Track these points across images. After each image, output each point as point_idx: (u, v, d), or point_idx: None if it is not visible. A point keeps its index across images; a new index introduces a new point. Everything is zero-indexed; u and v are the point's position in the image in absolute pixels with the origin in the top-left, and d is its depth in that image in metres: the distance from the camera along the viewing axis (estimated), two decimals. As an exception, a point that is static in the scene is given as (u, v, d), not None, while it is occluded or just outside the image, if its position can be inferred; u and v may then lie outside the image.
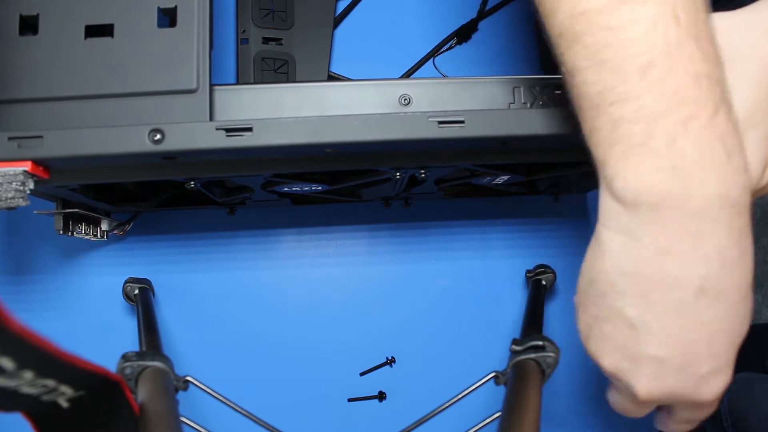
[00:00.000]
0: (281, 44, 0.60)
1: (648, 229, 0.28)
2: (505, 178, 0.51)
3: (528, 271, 0.60)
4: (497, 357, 0.59)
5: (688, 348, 0.30)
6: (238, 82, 0.59)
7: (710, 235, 0.28)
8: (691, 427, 0.35)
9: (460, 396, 0.45)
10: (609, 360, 0.32)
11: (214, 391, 0.44)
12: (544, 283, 0.57)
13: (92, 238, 0.54)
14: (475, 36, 0.65)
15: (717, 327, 0.29)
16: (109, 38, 0.37)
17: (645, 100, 0.27)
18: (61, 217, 0.49)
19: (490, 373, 0.43)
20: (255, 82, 0.59)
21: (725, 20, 0.31)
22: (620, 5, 0.27)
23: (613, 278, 0.30)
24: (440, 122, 0.36)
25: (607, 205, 0.29)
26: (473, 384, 0.44)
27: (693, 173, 0.27)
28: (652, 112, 0.27)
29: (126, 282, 0.56)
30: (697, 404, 0.32)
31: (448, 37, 0.64)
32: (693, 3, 0.27)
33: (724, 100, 0.27)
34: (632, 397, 0.32)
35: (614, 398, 0.35)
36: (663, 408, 0.35)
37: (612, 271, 0.30)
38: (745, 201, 0.28)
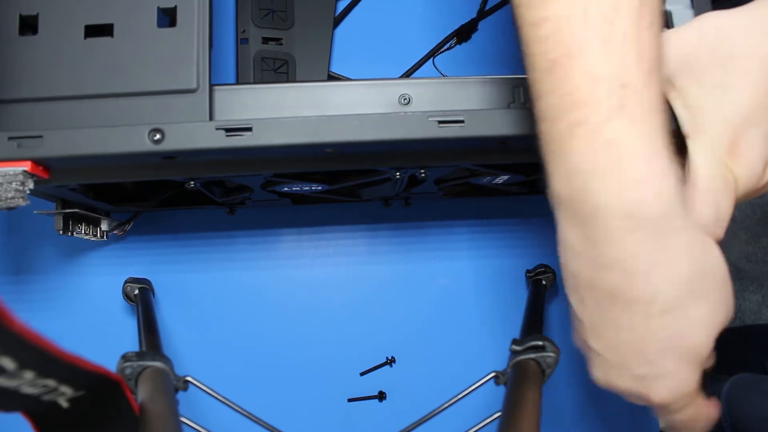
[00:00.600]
0: (281, 44, 0.60)
1: (563, 228, 0.29)
2: (505, 177, 0.51)
3: (528, 271, 0.60)
4: (497, 357, 0.59)
5: (616, 347, 0.30)
6: (237, 82, 0.59)
7: (606, 245, 0.27)
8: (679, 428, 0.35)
9: (460, 396, 0.45)
10: (576, 343, 0.34)
11: (214, 391, 0.44)
12: (544, 283, 0.57)
13: (92, 238, 0.54)
14: (475, 36, 0.65)
15: (640, 335, 0.29)
16: (109, 38, 0.37)
17: (549, 99, 0.27)
18: (61, 217, 0.49)
19: (490, 373, 0.43)
20: (255, 82, 0.59)
21: (725, 19, 0.31)
22: (541, 2, 0.27)
23: (565, 275, 0.31)
24: (440, 122, 0.36)
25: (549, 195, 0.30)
26: (473, 384, 0.44)
27: (578, 181, 0.27)
28: (552, 113, 0.27)
29: (126, 282, 0.56)
30: (650, 404, 0.32)
31: (448, 37, 0.64)
32: (609, 4, 0.26)
33: (624, 106, 0.26)
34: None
35: None
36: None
37: (561, 257, 0.31)
38: (645, 214, 0.26)
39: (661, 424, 0.36)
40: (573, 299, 0.31)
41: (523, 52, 0.28)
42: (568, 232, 0.29)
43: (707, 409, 0.33)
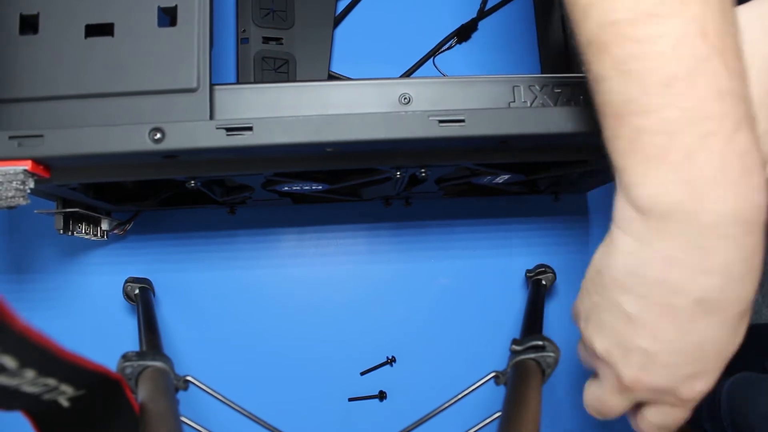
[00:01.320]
0: (281, 44, 0.60)
1: (658, 237, 0.29)
2: (506, 177, 0.51)
3: (528, 271, 0.60)
4: (497, 357, 0.59)
5: (677, 349, 0.31)
6: (238, 82, 0.59)
7: (716, 251, 0.28)
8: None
9: (460, 396, 0.45)
10: (602, 344, 0.33)
11: (214, 390, 0.44)
12: (544, 282, 0.57)
13: (92, 238, 0.54)
14: (475, 36, 0.65)
15: (707, 337, 0.30)
16: (110, 37, 0.37)
17: (666, 113, 0.27)
18: (62, 217, 0.49)
19: (490, 373, 0.43)
20: (255, 82, 0.59)
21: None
22: (649, 18, 0.27)
23: (619, 275, 0.31)
24: (441, 121, 0.36)
25: (622, 208, 0.30)
26: (473, 384, 0.44)
27: (707, 189, 0.27)
28: (672, 126, 0.27)
29: (126, 281, 0.56)
30: (676, 401, 0.33)
31: (448, 36, 0.64)
32: (722, 17, 0.27)
33: (746, 117, 0.28)
34: (616, 384, 0.33)
35: (593, 390, 0.36)
36: (635, 411, 0.36)
37: (620, 268, 0.31)
38: (758, 219, 0.28)
39: (634, 426, 0.36)
40: (634, 306, 0.31)
41: (611, 68, 0.28)
42: (666, 242, 0.29)
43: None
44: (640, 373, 0.32)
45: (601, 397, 0.35)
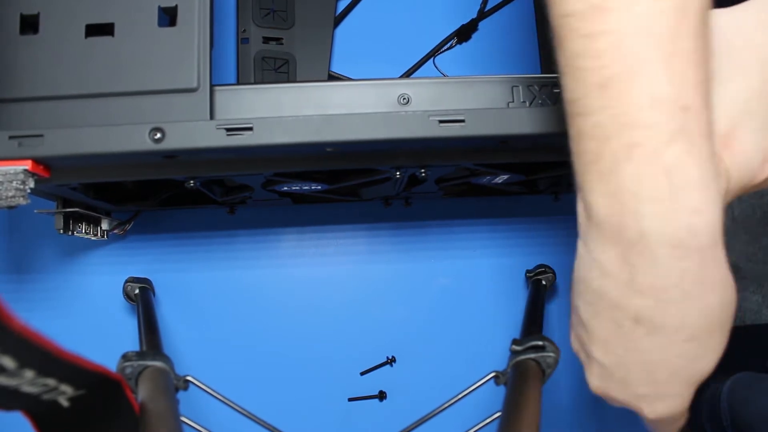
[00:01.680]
0: (282, 44, 0.60)
1: (596, 247, 0.28)
2: (505, 177, 0.51)
3: (528, 271, 0.60)
4: (497, 357, 0.59)
5: (625, 365, 0.30)
6: (238, 82, 0.59)
7: (644, 271, 0.26)
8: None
9: (460, 396, 0.45)
10: (573, 347, 0.34)
11: (214, 390, 0.44)
12: (544, 283, 0.57)
13: (92, 238, 0.54)
14: (475, 36, 0.65)
15: (656, 358, 0.29)
16: (110, 37, 0.37)
17: (600, 117, 0.26)
18: (62, 216, 0.49)
19: (490, 373, 0.43)
20: (255, 82, 0.59)
21: (721, 17, 0.31)
22: (596, 12, 0.25)
23: (576, 279, 0.31)
24: (441, 121, 0.36)
25: (579, 211, 0.29)
26: (473, 384, 0.44)
27: (629, 204, 0.26)
28: (604, 132, 0.26)
29: (126, 281, 0.56)
30: (645, 418, 0.32)
31: (448, 37, 0.64)
32: (680, 16, 0.25)
33: (684, 130, 0.25)
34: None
35: None
36: None
37: (575, 272, 0.31)
38: (694, 244, 0.26)
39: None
40: (585, 312, 0.31)
41: (565, 64, 0.27)
42: (601, 252, 0.28)
43: (685, 420, 0.33)
44: (598, 383, 0.32)
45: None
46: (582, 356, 0.33)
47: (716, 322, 0.28)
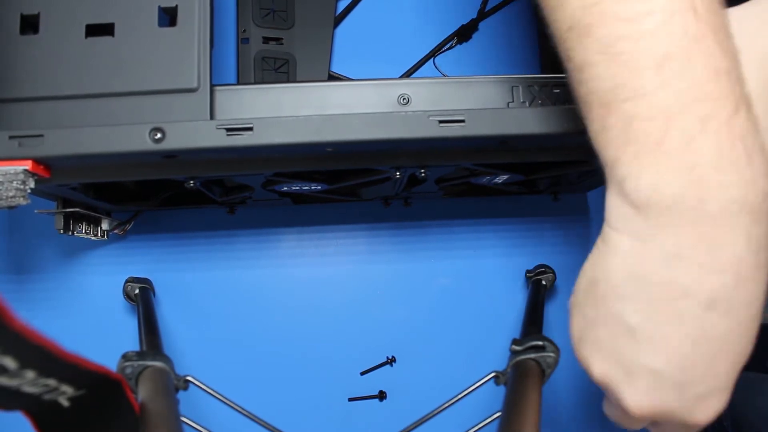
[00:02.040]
0: (282, 44, 0.60)
1: (660, 233, 0.26)
2: (505, 177, 0.51)
3: (528, 271, 0.60)
4: (497, 357, 0.59)
5: (689, 363, 0.28)
6: (238, 82, 0.59)
7: (726, 244, 0.26)
8: None
9: (460, 396, 0.45)
10: (600, 367, 0.30)
11: (214, 390, 0.44)
12: (544, 283, 0.57)
13: (93, 238, 0.54)
14: (475, 36, 0.65)
15: (722, 344, 0.27)
16: (110, 37, 0.37)
17: (661, 96, 0.25)
18: (62, 217, 0.49)
19: (490, 373, 0.43)
20: (255, 82, 0.59)
21: None
22: None
23: (617, 281, 0.28)
24: (441, 121, 0.36)
25: (616, 206, 0.28)
26: (473, 384, 0.44)
27: (711, 176, 0.25)
28: (668, 110, 0.25)
29: (126, 281, 0.56)
30: (687, 426, 0.30)
31: (448, 37, 0.64)
32: None
33: (743, 98, 0.26)
34: (622, 409, 0.30)
35: (608, 409, 0.34)
36: (654, 424, 0.33)
37: (617, 273, 0.28)
38: (765, 208, 0.26)
39: None
40: (635, 316, 0.28)
41: (598, 51, 0.26)
42: (668, 237, 0.26)
43: None
44: (647, 397, 0.29)
45: (617, 416, 0.33)
46: (617, 376, 0.30)
47: (763, 298, 0.27)
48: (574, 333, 0.32)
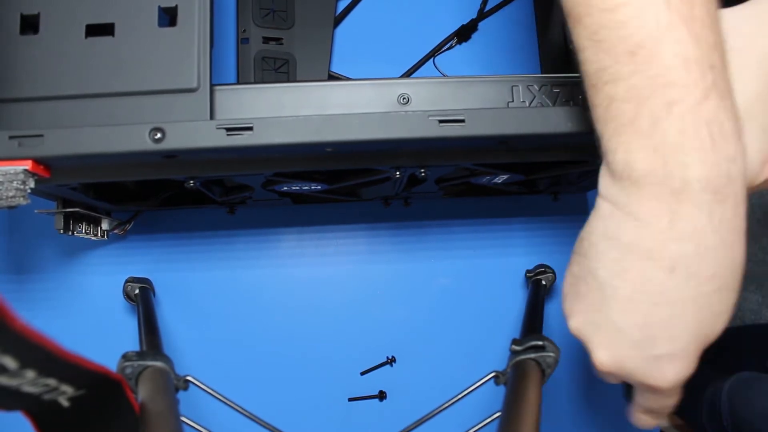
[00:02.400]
0: (281, 44, 0.60)
1: (631, 200, 0.29)
2: (505, 177, 0.51)
3: (528, 271, 0.60)
4: (497, 357, 0.59)
5: (648, 323, 0.30)
6: (238, 82, 0.59)
7: (687, 217, 0.28)
8: (652, 420, 0.35)
9: (460, 396, 0.45)
10: (576, 320, 0.33)
11: (214, 390, 0.44)
12: (544, 283, 0.57)
13: (93, 238, 0.54)
14: (474, 36, 0.65)
15: (682, 310, 0.30)
16: (110, 37, 0.37)
17: (634, 80, 0.28)
18: (62, 216, 0.49)
19: (490, 373, 0.43)
20: (255, 82, 0.59)
21: (722, 18, 0.31)
22: None
23: (596, 239, 0.31)
24: (441, 121, 0.36)
25: (602, 175, 0.31)
26: (473, 384, 0.44)
27: (674, 156, 0.28)
28: (639, 93, 0.28)
29: (126, 281, 0.56)
30: (649, 388, 0.32)
31: (448, 37, 0.64)
32: None
33: (715, 86, 0.28)
34: (596, 368, 0.33)
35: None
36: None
37: (596, 232, 0.31)
38: (730, 191, 0.28)
39: (629, 416, 0.36)
40: (607, 272, 0.31)
41: (587, 38, 0.29)
42: (639, 204, 0.29)
43: (677, 398, 0.34)
44: (608, 353, 0.32)
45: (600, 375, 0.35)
46: (588, 330, 0.33)
47: (738, 277, 0.30)
48: (564, 288, 0.35)
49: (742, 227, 0.29)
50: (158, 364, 0.40)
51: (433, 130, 0.36)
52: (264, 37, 0.60)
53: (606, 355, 0.32)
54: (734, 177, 0.28)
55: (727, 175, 0.28)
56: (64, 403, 0.29)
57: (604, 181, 0.31)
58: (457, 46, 0.64)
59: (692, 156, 0.28)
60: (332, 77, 0.61)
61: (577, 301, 0.33)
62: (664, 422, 0.36)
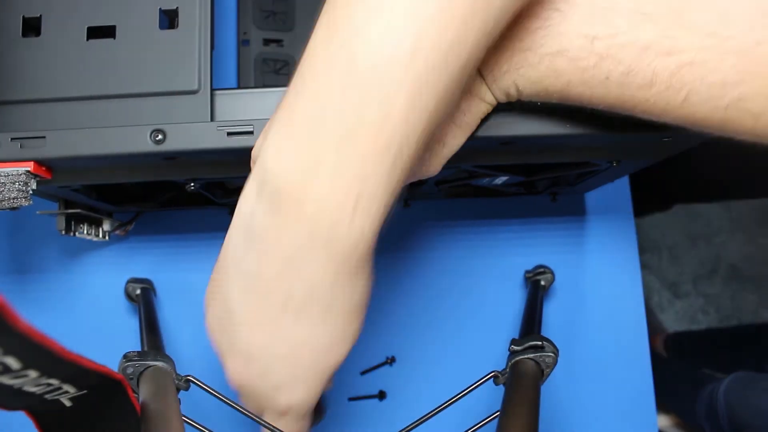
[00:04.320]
0: (282, 46, 0.60)
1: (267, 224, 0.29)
2: (505, 178, 0.51)
3: (527, 272, 0.60)
4: (497, 357, 0.59)
5: (271, 348, 0.31)
6: (238, 84, 0.60)
7: (304, 263, 0.28)
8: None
9: (459, 396, 0.45)
10: (212, 334, 0.34)
11: (215, 390, 0.44)
12: (543, 283, 0.57)
13: (94, 239, 0.54)
14: (474, 37, 0.65)
15: (296, 344, 0.30)
16: (111, 39, 0.38)
17: None
18: (64, 218, 0.49)
19: (489, 373, 0.44)
20: (256, 84, 0.59)
21: None
22: None
23: (233, 253, 0.32)
24: (440, 123, 0.36)
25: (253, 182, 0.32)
26: (473, 384, 0.44)
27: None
28: None
29: (128, 282, 0.56)
30: (272, 411, 0.33)
31: (448, 38, 0.64)
32: None
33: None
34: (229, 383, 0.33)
35: None
36: None
37: (234, 243, 0.32)
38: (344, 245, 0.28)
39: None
40: (230, 293, 0.31)
41: None
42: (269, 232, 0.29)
43: (306, 424, 0.34)
44: (237, 374, 0.32)
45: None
46: (223, 346, 0.33)
47: (354, 309, 0.30)
48: (208, 289, 0.35)
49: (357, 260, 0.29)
50: (159, 363, 0.41)
51: (432, 132, 0.36)
52: (265, 39, 0.60)
53: (235, 375, 0.33)
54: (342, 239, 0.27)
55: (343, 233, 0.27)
56: (66, 402, 0.29)
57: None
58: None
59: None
60: (332, 78, 0.61)
61: (215, 316, 0.34)
62: None
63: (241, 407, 0.45)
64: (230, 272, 0.31)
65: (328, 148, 0.26)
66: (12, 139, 0.35)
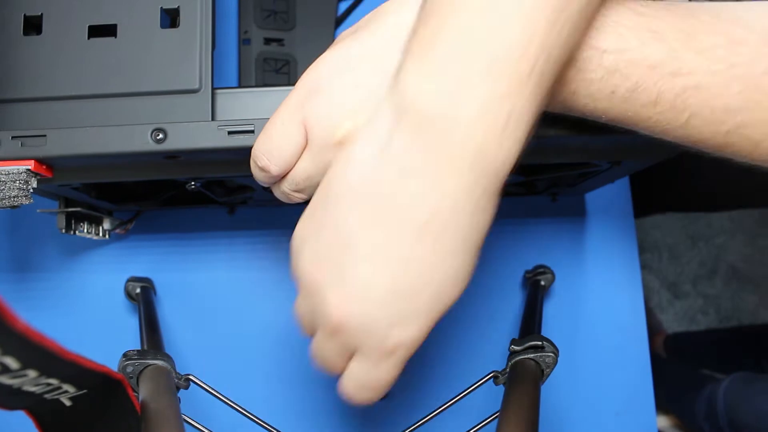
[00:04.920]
0: (283, 45, 0.60)
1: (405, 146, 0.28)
2: (505, 178, 0.51)
3: (527, 272, 0.60)
4: (497, 357, 0.59)
5: (397, 279, 0.29)
6: (239, 83, 0.60)
7: (450, 178, 0.28)
8: (365, 393, 0.33)
9: (459, 396, 0.45)
10: (311, 265, 0.31)
11: (215, 389, 0.44)
12: (543, 283, 0.57)
13: (94, 237, 0.54)
14: (475, 37, 0.65)
15: (429, 272, 0.30)
16: (112, 38, 0.38)
17: None
18: (64, 216, 0.49)
19: (489, 373, 0.44)
20: (257, 83, 0.59)
21: None
22: None
23: (348, 186, 0.30)
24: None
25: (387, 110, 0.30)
26: (473, 384, 0.44)
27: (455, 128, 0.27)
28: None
29: (128, 281, 0.56)
30: (377, 351, 0.31)
31: (449, 37, 0.64)
32: None
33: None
34: (323, 322, 0.31)
35: (314, 339, 0.34)
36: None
37: (351, 178, 0.30)
38: (492, 168, 0.28)
39: (339, 387, 0.34)
40: (355, 223, 0.29)
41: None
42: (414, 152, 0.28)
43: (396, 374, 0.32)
44: (346, 307, 0.30)
45: (318, 344, 0.33)
46: (327, 279, 0.30)
47: (480, 245, 0.32)
48: (298, 231, 0.33)
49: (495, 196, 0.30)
50: (159, 362, 0.41)
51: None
52: (265, 38, 0.60)
53: (341, 309, 0.30)
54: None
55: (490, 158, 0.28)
56: (66, 402, 0.29)
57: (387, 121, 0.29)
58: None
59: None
60: (333, 78, 0.61)
61: (317, 250, 0.31)
62: (375, 398, 0.33)
63: (240, 407, 0.45)
64: (349, 202, 0.29)
65: (474, 73, 0.26)
66: (13, 137, 0.35)
